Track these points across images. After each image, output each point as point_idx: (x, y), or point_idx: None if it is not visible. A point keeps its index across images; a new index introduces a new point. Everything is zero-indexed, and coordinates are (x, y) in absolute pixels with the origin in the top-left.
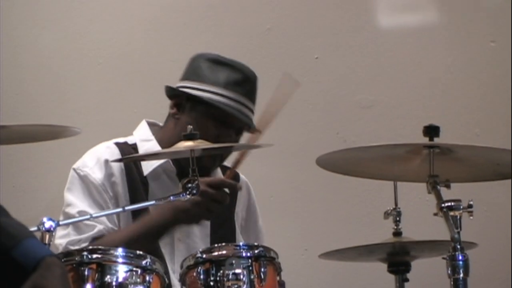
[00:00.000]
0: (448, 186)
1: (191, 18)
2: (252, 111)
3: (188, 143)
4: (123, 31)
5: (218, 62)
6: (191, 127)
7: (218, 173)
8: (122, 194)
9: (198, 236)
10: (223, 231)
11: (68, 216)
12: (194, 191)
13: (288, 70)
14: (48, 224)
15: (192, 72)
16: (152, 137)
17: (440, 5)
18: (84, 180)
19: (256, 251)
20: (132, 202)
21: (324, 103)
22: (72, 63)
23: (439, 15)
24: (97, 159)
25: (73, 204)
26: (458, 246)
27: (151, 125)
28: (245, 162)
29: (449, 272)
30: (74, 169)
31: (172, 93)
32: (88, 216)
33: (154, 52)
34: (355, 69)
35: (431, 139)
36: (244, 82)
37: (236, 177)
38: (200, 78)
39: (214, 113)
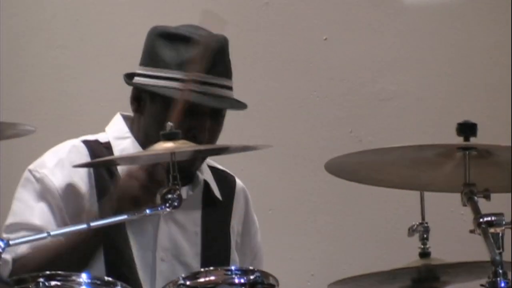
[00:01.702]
0: (487, 197)
1: None
2: (224, 87)
3: (168, 145)
4: (87, 6)
5: (173, 36)
6: (171, 124)
7: (208, 173)
8: (87, 205)
9: (187, 255)
10: (216, 248)
11: (9, 229)
12: (176, 203)
13: (291, 53)
14: None
15: (147, 54)
16: (129, 134)
17: None
18: (40, 183)
19: (251, 277)
20: (101, 211)
21: (334, 95)
22: (25, 45)
23: None
24: (58, 160)
25: (18, 213)
26: (500, 271)
27: (127, 119)
28: (240, 166)
29: None
30: (30, 171)
31: (129, 83)
32: (44, 234)
33: (126, 29)
34: (373, 52)
35: (466, 139)
36: (205, 54)
37: (231, 182)
38: (154, 61)
39: (175, 104)
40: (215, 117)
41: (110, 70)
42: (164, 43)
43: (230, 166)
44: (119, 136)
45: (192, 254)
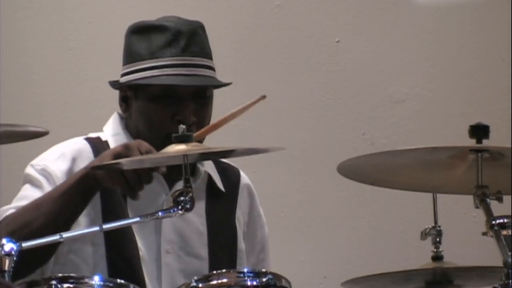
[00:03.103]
0: (500, 199)
1: None
2: (201, 66)
3: (181, 147)
4: (97, 9)
5: (144, 29)
6: (183, 126)
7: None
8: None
9: (195, 246)
10: (223, 237)
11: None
12: (188, 206)
13: (303, 56)
14: (8, 246)
15: (124, 53)
16: (124, 131)
17: None
18: (41, 172)
19: (264, 279)
20: (105, 213)
21: (347, 97)
22: (37, 47)
23: None
24: (61, 153)
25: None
26: None
27: (123, 117)
28: (252, 168)
29: None
30: (32, 165)
31: (115, 87)
32: (57, 237)
33: None
34: (385, 55)
35: (479, 141)
36: (177, 38)
37: (235, 174)
38: (131, 57)
39: (154, 93)
40: (198, 99)
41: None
42: (137, 37)
43: (242, 168)
44: (114, 133)
45: (199, 244)
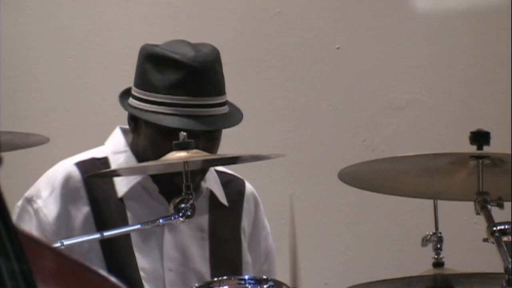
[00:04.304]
0: (500, 206)
1: (188, 0)
2: (214, 105)
3: (181, 154)
4: (99, 16)
5: (157, 59)
6: (184, 134)
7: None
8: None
9: (196, 261)
10: (226, 252)
11: None
12: (189, 213)
13: (303, 62)
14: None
15: (138, 76)
16: (127, 148)
17: None
18: (35, 216)
19: (264, 286)
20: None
21: (347, 104)
22: (37, 55)
23: None
24: (52, 188)
25: None
26: None
27: (127, 132)
28: (253, 175)
29: None
30: (26, 199)
31: (124, 106)
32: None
33: (142, 38)
34: (386, 61)
35: (479, 147)
36: (190, 77)
37: (240, 185)
38: (144, 84)
39: (165, 128)
40: (208, 136)
41: (123, 81)
42: (152, 66)
43: (243, 175)
44: (117, 150)
45: (200, 259)
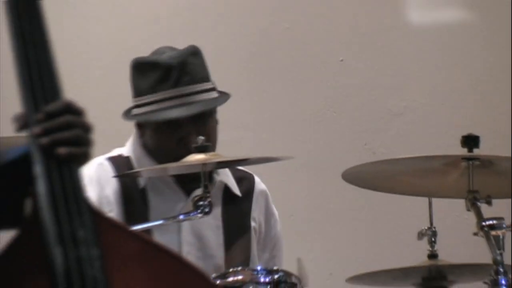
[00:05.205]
0: (489, 203)
1: (203, 16)
2: (195, 92)
3: (200, 156)
4: (125, 29)
5: (140, 66)
6: (202, 138)
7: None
8: (115, 215)
9: (211, 247)
10: (237, 238)
11: None
12: (207, 209)
13: (310, 73)
14: None
15: (131, 86)
16: (140, 148)
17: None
18: None
19: (275, 276)
20: (128, 221)
21: (350, 111)
22: (68, 67)
23: (479, 11)
24: (89, 178)
25: None
26: (501, 269)
27: (139, 136)
28: (265, 176)
29: None
30: None
31: (127, 118)
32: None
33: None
34: (385, 72)
35: (470, 150)
36: (167, 74)
37: (250, 179)
38: (134, 91)
39: (158, 124)
40: (198, 122)
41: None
42: (137, 73)
43: (256, 175)
44: (133, 150)
45: (215, 245)
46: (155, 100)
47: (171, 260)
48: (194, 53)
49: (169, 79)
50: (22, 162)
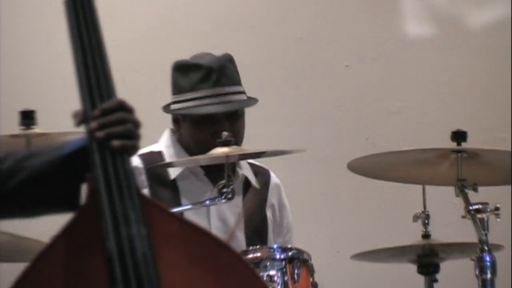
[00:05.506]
0: (475, 190)
1: (218, 26)
2: (231, 93)
3: (224, 149)
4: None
5: (182, 67)
6: (226, 133)
7: (247, 168)
8: None
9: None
10: (256, 224)
11: None
12: (230, 196)
13: (319, 77)
14: None
15: (172, 85)
16: (176, 144)
17: (463, 17)
18: None
19: (289, 254)
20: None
21: (354, 110)
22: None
23: (462, 25)
24: None
25: None
26: (486, 248)
27: (174, 132)
28: (279, 166)
29: (477, 273)
30: None
31: (167, 112)
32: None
33: (168, 50)
34: (384, 76)
35: (458, 144)
36: (208, 75)
37: (266, 174)
38: (177, 89)
39: (196, 118)
40: (231, 119)
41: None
42: (179, 74)
43: (270, 166)
44: (167, 145)
45: (238, 229)
46: (196, 97)
47: (209, 240)
48: (230, 59)
49: (210, 79)
50: (81, 153)
